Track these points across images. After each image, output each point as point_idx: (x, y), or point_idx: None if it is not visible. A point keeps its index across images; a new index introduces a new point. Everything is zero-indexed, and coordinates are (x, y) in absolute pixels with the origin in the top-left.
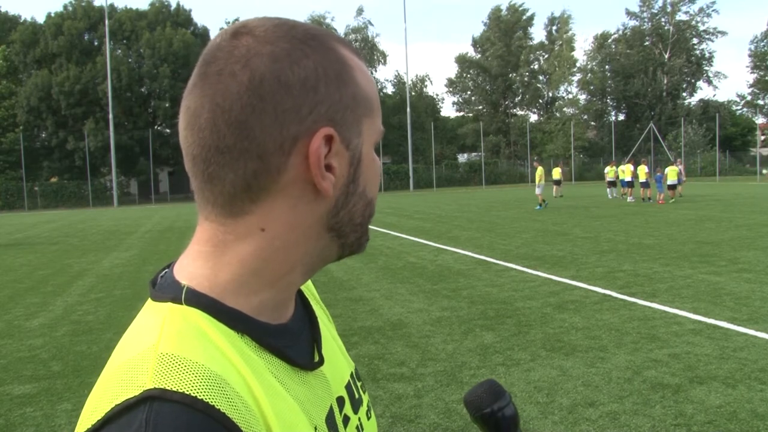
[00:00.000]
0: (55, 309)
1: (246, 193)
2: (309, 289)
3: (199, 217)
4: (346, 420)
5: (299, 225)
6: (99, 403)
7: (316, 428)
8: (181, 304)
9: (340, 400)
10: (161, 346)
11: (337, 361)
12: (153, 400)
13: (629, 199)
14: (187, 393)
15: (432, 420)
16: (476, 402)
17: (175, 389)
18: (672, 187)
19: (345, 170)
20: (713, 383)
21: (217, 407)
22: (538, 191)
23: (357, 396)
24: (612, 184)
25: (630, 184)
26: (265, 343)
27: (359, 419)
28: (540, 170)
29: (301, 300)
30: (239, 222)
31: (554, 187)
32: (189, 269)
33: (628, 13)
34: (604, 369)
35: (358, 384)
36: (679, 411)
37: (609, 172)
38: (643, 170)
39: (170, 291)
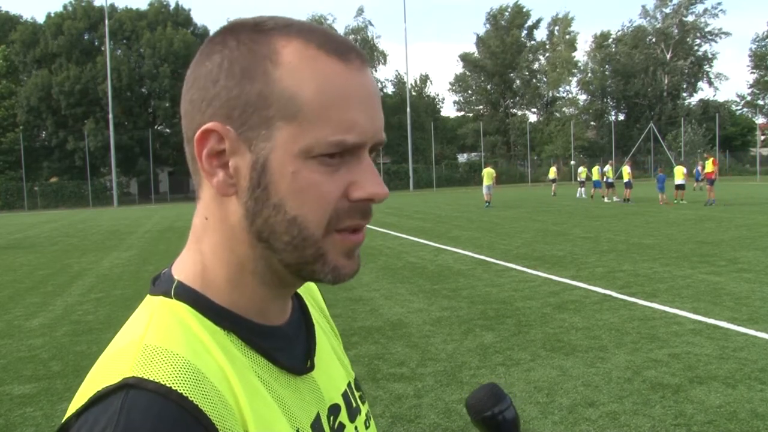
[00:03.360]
0: (55, 309)
1: (195, 176)
2: (317, 302)
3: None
4: (340, 427)
5: (226, 221)
6: (84, 390)
7: (297, 431)
8: (171, 298)
9: (335, 408)
10: (146, 338)
11: (334, 370)
12: (129, 387)
13: (614, 199)
14: (162, 383)
15: (432, 420)
16: (477, 405)
17: (151, 378)
18: (680, 187)
19: (246, 173)
20: (713, 383)
21: (191, 399)
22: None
23: (354, 405)
24: (582, 184)
25: (610, 185)
26: (252, 342)
27: (355, 427)
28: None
29: (300, 307)
30: (198, 208)
31: (552, 185)
32: (183, 264)
33: (644, 11)
34: (604, 369)
35: (357, 394)
36: (679, 411)
37: (582, 172)
38: (625, 171)
39: (164, 285)
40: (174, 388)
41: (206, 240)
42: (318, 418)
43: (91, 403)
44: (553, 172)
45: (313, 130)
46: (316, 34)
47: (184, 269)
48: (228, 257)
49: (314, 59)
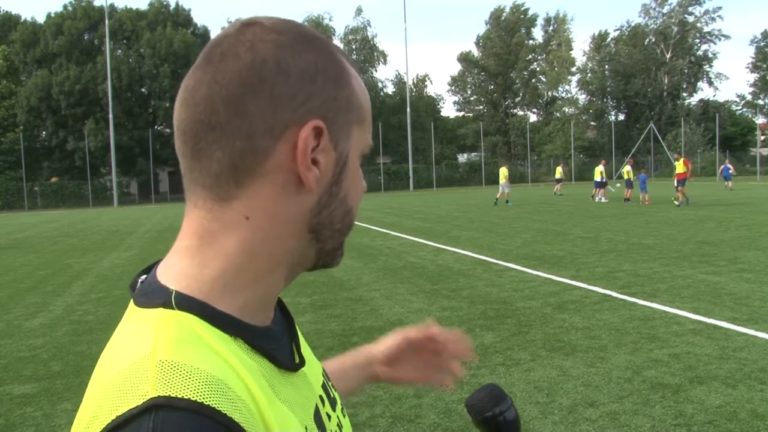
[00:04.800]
0: (55, 309)
1: (232, 174)
2: None
3: (187, 207)
4: (327, 417)
5: (282, 217)
6: (96, 416)
7: (306, 428)
8: (173, 309)
9: (321, 399)
10: (159, 354)
11: (312, 360)
12: (158, 408)
13: (604, 199)
14: (193, 399)
15: (432, 420)
16: (478, 406)
17: (180, 396)
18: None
19: (330, 169)
20: (713, 383)
21: (223, 411)
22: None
23: (332, 395)
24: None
25: (602, 185)
26: (256, 345)
27: (338, 416)
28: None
29: (278, 303)
30: (225, 208)
31: (556, 185)
32: (175, 270)
33: (644, 9)
34: (604, 369)
35: (330, 383)
36: (679, 411)
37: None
38: (626, 170)
39: (158, 296)
40: (206, 402)
41: (233, 240)
42: (317, 410)
43: (112, 429)
44: (558, 172)
45: (366, 132)
46: (342, 51)
47: (179, 276)
48: (266, 253)
49: (355, 71)
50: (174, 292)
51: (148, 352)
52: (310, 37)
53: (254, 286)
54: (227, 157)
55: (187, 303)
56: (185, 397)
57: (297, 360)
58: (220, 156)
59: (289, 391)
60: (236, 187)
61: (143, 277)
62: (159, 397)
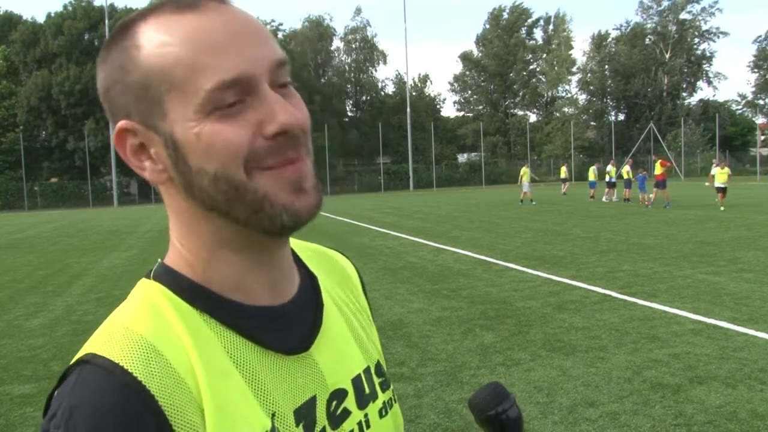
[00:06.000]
0: (55, 309)
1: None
2: (350, 286)
3: None
4: (344, 413)
5: (177, 207)
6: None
7: (274, 414)
8: (150, 279)
9: (340, 393)
10: (117, 317)
11: (347, 353)
12: (84, 363)
13: (615, 199)
14: (109, 358)
15: (432, 420)
16: (481, 404)
17: (101, 355)
18: (721, 191)
19: (164, 153)
20: (713, 383)
21: (134, 374)
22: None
23: (368, 391)
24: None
25: (611, 185)
26: (228, 321)
27: (365, 415)
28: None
29: (314, 289)
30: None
31: (562, 185)
32: (169, 250)
33: (641, 6)
34: (604, 369)
35: (377, 380)
36: (679, 411)
37: (611, 171)
38: (625, 170)
39: (152, 269)
40: (120, 363)
41: (173, 230)
42: (312, 402)
43: (60, 379)
44: (564, 172)
45: (193, 88)
46: (166, 2)
47: (168, 254)
48: (194, 239)
49: (166, 24)
50: (158, 264)
51: (113, 316)
52: (110, 40)
53: (211, 265)
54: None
55: (163, 274)
56: (105, 356)
57: (303, 346)
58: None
59: (269, 374)
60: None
61: None
62: (88, 353)
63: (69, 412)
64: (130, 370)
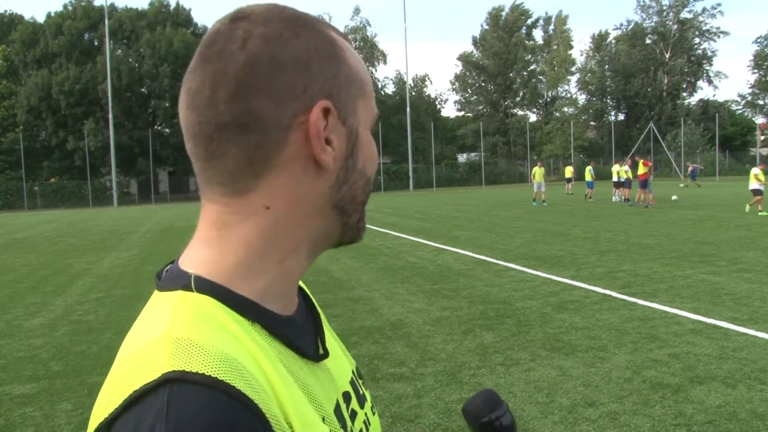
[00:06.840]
0: (55, 309)
1: (249, 168)
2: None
3: (203, 202)
4: (353, 414)
5: (303, 201)
6: (115, 391)
7: (324, 419)
8: (192, 291)
9: (347, 395)
10: (175, 332)
11: (339, 357)
12: (173, 382)
13: (614, 198)
14: (207, 374)
15: (432, 420)
16: (474, 411)
17: (194, 371)
18: (757, 193)
19: (343, 145)
20: (713, 383)
21: (238, 387)
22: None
23: (361, 392)
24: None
25: (619, 184)
26: (275, 331)
27: (366, 414)
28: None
29: (302, 295)
30: (243, 200)
31: (567, 184)
32: (195, 258)
33: (640, 5)
34: (604, 369)
35: (360, 382)
36: (679, 411)
37: (620, 171)
38: (623, 170)
39: (179, 280)
40: (220, 378)
41: (252, 228)
42: (338, 404)
43: (129, 403)
44: (569, 171)
45: (369, 103)
46: (330, 24)
47: (199, 263)
48: (288, 235)
49: (347, 44)
50: (194, 276)
51: (165, 330)
52: (297, 22)
53: (277, 269)
54: (243, 152)
55: (206, 286)
56: (200, 372)
57: (321, 352)
58: (235, 152)
59: (311, 380)
60: (254, 180)
61: (168, 267)
62: (174, 371)
63: None
64: (232, 383)
